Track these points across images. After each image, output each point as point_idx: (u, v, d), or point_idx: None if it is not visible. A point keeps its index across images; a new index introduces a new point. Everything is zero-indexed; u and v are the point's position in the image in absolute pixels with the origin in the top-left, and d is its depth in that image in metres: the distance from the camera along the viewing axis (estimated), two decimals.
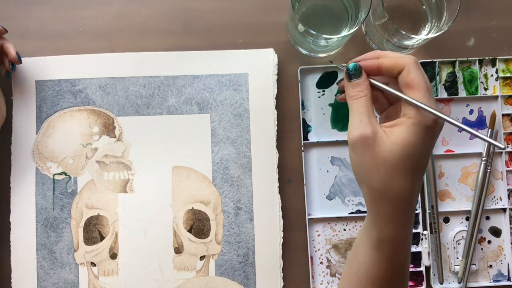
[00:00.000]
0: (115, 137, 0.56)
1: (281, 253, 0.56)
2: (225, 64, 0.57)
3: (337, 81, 0.57)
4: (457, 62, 0.58)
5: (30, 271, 0.55)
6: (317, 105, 0.58)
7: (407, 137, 0.36)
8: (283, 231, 0.56)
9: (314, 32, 0.49)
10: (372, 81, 0.38)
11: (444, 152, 0.57)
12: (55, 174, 0.56)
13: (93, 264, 0.55)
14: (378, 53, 0.39)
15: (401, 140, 0.36)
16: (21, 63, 0.54)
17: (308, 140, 0.57)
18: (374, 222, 0.39)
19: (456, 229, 0.57)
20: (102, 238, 0.55)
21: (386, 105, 0.42)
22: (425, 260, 0.56)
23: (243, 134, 0.57)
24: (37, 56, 0.57)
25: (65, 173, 0.56)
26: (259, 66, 0.57)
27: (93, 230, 0.55)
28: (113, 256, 0.55)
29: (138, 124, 0.57)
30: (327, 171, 0.57)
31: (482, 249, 0.57)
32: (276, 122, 0.57)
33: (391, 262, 0.39)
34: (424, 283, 0.56)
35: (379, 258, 0.39)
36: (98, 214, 0.55)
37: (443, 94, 0.58)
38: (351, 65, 0.38)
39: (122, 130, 0.56)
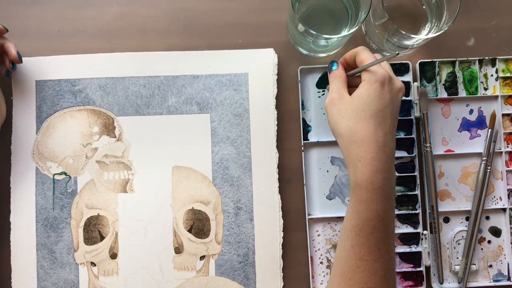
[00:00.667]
0: (115, 137, 0.56)
1: (281, 253, 0.56)
2: (225, 64, 0.57)
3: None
4: (457, 62, 0.58)
5: (30, 271, 0.55)
6: (317, 105, 0.58)
7: (362, 91, 0.46)
8: (283, 231, 0.56)
9: (314, 32, 0.49)
10: (348, 73, 0.51)
11: (444, 152, 0.57)
12: (55, 174, 0.56)
13: (93, 264, 0.55)
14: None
15: (358, 94, 0.47)
16: (22, 63, 0.54)
17: (308, 140, 0.57)
18: (348, 167, 0.46)
19: (456, 229, 0.57)
20: (102, 238, 0.55)
21: None
22: (425, 260, 0.56)
23: (243, 134, 0.57)
24: (37, 56, 0.57)
25: (65, 173, 0.56)
26: (259, 66, 0.57)
27: (93, 230, 0.55)
28: (113, 256, 0.55)
29: (138, 124, 0.57)
30: (327, 171, 0.57)
31: (482, 249, 0.57)
32: (276, 122, 0.57)
33: (367, 208, 0.44)
34: (424, 283, 0.56)
35: (355, 202, 0.45)
36: (98, 214, 0.55)
37: (443, 94, 0.58)
38: (332, 62, 0.51)
39: (122, 130, 0.56)
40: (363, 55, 0.48)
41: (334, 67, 0.51)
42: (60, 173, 0.56)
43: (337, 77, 0.50)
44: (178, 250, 0.55)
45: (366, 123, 0.45)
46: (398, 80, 0.48)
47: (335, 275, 0.46)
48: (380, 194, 0.44)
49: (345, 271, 0.45)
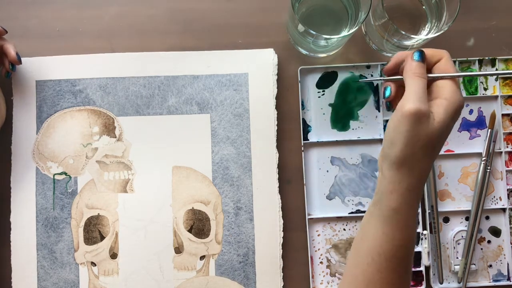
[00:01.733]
0: (115, 137, 0.56)
1: (281, 253, 0.56)
2: (225, 64, 0.57)
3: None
4: (457, 62, 0.58)
5: (31, 271, 0.55)
6: (317, 105, 0.58)
7: (445, 117, 0.40)
8: (283, 231, 0.56)
9: (314, 32, 0.49)
10: (429, 75, 0.42)
11: (444, 152, 0.57)
12: (56, 174, 0.56)
13: (93, 264, 0.55)
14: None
15: (441, 121, 0.40)
16: (21, 64, 0.54)
17: (308, 140, 0.57)
18: (389, 192, 0.41)
19: (456, 229, 0.57)
20: (102, 238, 0.55)
21: None
22: (425, 260, 0.56)
23: (243, 134, 0.57)
24: (37, 56, 0.57)
25: (65, 173, 0.56)
26: (259, 66, 0.57)
27: (93, 230, 0.55)
28: (113, 256, 0.55)
29: (138, 124, 0.57)
30: (327, 171, 0.57)
31: (481, 249, 0.57)
32: (276, 122, 0.57)
33: (403, 235, 0.42)
34: (424, 283, 0.56)
35: (392, 229, 0.41)
36: (98, 214, 0.55)
37: None
38: (419, 51, 0.42)
39: (122, 130, 0.56)
40: (451, 66, 0.42)
41: (419, 57, 0.42)
42: (60, 173, 0.56)
43: (420, 75, 0.41)
44: (178, 250, 0.55)
45: (430, 158, 0.41)
46: None
47: None
48: (414, 220, 0.42)
49: None
